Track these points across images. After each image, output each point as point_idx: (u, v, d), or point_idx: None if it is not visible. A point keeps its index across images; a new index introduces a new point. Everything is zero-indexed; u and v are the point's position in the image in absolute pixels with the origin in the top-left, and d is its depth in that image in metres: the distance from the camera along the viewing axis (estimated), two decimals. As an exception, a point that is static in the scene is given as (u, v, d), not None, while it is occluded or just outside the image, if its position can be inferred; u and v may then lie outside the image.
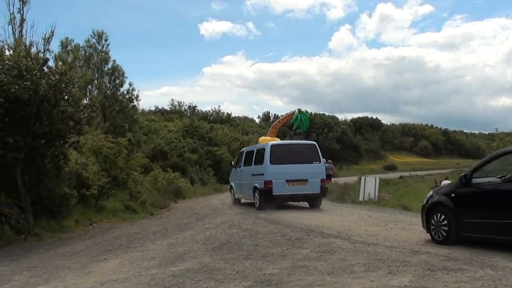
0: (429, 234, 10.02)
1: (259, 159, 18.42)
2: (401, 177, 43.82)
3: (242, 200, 20.98)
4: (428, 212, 10.18)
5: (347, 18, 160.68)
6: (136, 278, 7.59)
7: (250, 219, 14.82)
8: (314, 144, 18.97)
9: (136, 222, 16.95)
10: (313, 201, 18.50)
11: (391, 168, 68.38)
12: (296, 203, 19.11)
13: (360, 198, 21.25)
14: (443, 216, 9.70)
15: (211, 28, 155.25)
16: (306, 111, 33.15)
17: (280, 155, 17.83)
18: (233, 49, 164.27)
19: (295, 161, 17.67)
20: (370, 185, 21.46)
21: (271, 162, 17.64)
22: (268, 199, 17.65)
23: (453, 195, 9.71)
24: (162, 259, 9.07)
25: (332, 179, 30.13)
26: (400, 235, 10.88)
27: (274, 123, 29.51)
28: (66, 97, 14.11)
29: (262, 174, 17.79)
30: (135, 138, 31.94)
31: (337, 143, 70.98)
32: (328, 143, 69.09)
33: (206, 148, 39.60)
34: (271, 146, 18.18)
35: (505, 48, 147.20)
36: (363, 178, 22.55)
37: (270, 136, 26.06)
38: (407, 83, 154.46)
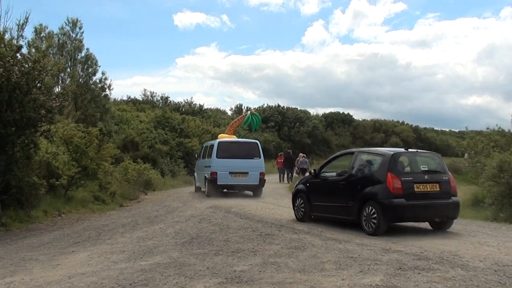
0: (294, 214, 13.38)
1: (210, 153, 21.26)
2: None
3: (202, 189, 22.52)
4: (294, 196, 13.74)
5: (320, 13, 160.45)
6: (105, 272, 7.46)
7: (221, 213, 14.76)
8: (256, 143, 21.82)
9: (106, 213, 16.77)
10: (254, 191, 21.41)
11: (362, 164, 68.94)
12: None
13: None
14: (301, 200, 13.28)
15: (185, 19, 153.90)
16: (258, 113, 36.63)
17: (226, 151, 20.70)
18: (206, 41, 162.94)
19: (238, 156, 20.45)
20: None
21: (217, 156, 20.54)
22: (214, 187, 20.53)
23: (308, 184, 13.31)
24: (131, 253, 8.96)
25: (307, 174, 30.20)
26: (371, 233, 10.89)
27: (231, 123, 31.76)
28: (38, 85, 13.84)
29: (210, 166, 20.79)
30: (106, 128, 31.50)
31: (309, 138, 71.06)
32: (300, 137, 69.28)
33: (177, 139, 39.27)
34: (219, 142, 21.19)
35: (477, 47, 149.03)
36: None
37: (228, 134, 27.66)
38: (379, 79, 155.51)
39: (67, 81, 31.19)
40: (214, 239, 10.11)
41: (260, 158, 21.09)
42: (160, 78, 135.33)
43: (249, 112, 34.33)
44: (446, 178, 11.33)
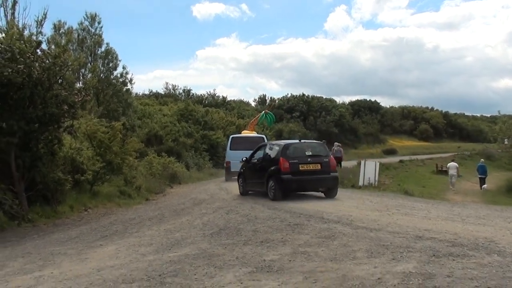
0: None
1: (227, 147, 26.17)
2: (401, 161, 43.87)
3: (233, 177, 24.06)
4: (237, 177, 18.90)
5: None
6: (134, 264, 7.55)
7: (248, 204, 14.78)
8: (263, 137, 26.08)
9: (132, 207, 16.95)
10: None
11: (391, 152, 68.17)
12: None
13: (360, 183, 21.30)
14: (241, 180, 18.22)
15: (204, 10, 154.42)
16: (271, 112, 40.79)
17: (238, 144, 24.97)
18: (226, 31, 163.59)
19: (247, 148, 22.01)
20: (370, 169, 21.51)
21: (230, 149, 25.29)
22: (228, 173, 25.11)
23: (243, 168, 18.26)
24: (159, 245, 9.04)
25: (342, 163, 30.47)
26: (403, 220, 10.84)
27: (251, 121, 36.30)
28: (59, 80, 14.02)
29: (225, 157, 26.32)
30: (130, 123, 31.75)
31: (335, 127, 70.71)
32: (326, 126, 68.98)
33: (201, 132, 39.50)
34: (232, 137, 26.42)
35: (507, 27, 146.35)
36: (362, 162, 22.58)
37: (250, 130, 31.77)
38: (406, 64, 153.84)
39: (88, 76, 31.50)
40: (242, 229, 10.14)
41: None
42: (181, 71, 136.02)
43: (263, 112, 38.24)
44: (327, 160, 16.28)
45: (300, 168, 15.79)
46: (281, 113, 69.02)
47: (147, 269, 7.18)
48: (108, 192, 18.34)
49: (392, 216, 11.59)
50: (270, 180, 15.98)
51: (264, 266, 6.91)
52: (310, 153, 16.34)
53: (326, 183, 16.41)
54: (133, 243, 9.48)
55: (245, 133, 29.43)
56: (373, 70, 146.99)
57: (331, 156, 17.08)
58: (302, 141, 17.50)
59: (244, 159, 18.42)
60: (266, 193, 16.13)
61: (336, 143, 33.76)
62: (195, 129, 39.24)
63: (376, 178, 21.39)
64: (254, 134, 29.31)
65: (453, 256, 7.13)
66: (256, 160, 17.75)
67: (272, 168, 16.04)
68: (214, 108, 52.96)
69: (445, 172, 35.99)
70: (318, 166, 16.03)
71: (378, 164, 22.61)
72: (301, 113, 70.38)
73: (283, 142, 17.22)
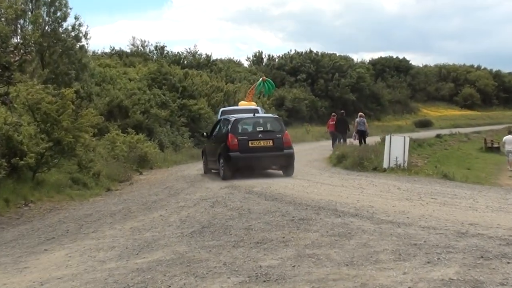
0: None
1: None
2: (438, 136, 43.97)
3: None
4: (202, 154, 23.24)
5: None
6: (89, 275, 7.52)
7: (240, 194, 14.85)
8: (257, 109, 27.40)
9: (88, 200, 16.91)
10: None
11: (425, 124, 68.17)
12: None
13: (385, 165, 21.27)
14: (204, 157, 22.46)
15: None
16: (271, 79, 42.63)
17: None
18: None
19: None
20: (397, 147, 21.46)
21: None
22: None
23: (206, 144, 22.65)
24: (123, 249, 9.03)
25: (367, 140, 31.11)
26: (440, 212, 10.86)
27: (249, 90, 38.13)
28: (-12, 34, 13.84)
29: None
30: (85, 90, 31.51)
31: (353, 92, 70.52)
32: (341, 92, 68.78)
33: (179, 101, 39.32)
34: (222, 111, 28.00)
35: None
36: (387, 138, 22.44)
37: (248, 101, 33.47)
38: (443, 9, 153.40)
39: (29, 29, 31.14)
40: (232, 227, 10.16)
41: None
42: (153, 22, 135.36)
43: (261, 78, 39.62)
44: (280, 135, 19.42)
45: (250, 145, 19.06)
46: (283, 75, 68.88)
47: (107, 280, 7.15)
48: (57, 181, 18.22)
49: (426, 207, 11.62)
50: (219, 157, 19.42)
51: (259, 275, 6.87)
52: (262, 129, 19.65)
53: (279, 161, 19.72)
54: (89, 247, 9.46)
55: (243, 105, 30.82)
56: (400, 18, 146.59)
57: (286, 131, 20.21)
58: (257, 115, 21.39)
59: (204, 134, 23.11)
60: (217, 170, 19.96)
61: (360, 113, 34.09)
62: (171, 98, 39.08)
63: (406, 158, 21.33)
64: (253, 105, 30.60)
65: (508, 257, 7.10)
66: (213, 137, 21.50)
67: (222, 145, 19.45)
68: (195, 70, 52.70)
69: (497, 149, 36.08)
70: (270, 143, 19.28)
71: (408, 140, 22.49)
72: (308, 75, 70.15)
73: (234, 116, 20.51)
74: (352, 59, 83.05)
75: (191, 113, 39.02)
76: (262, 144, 19.05)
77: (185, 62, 61.56)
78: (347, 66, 75.11)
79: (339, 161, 24.78)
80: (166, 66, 45.46)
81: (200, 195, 15.22)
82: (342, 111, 37.80)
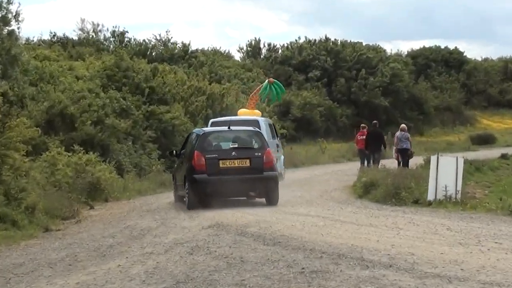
0: None
1: None
2: (504, 156, 43.81)
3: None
4: (172, 178, 25.58)
5: None
6: None
7: (228, 236, 14.88)
8: (257, 120, 30.38)
9: (19, 244, 16.78)
10: None
11: (485, 140, 67.77)
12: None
13: (430, 196, 21.25)
14: (174, 182, 24.39)
15: None
16: (279, 82, 44.08)
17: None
18: None
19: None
20: (447, 172, 21.41)
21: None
22: None
23: (176, 165, 25.17)
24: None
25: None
26: (508, 262, 10.80)
27: (251, 95, 40.42)
28: None
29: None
30: (16, 91, 31.50)
31: (385, 96, 70.34)
32: (369, 95, 68.71)
33: (145, 108, 39.27)
34: (211, 122, 31.22)
35: None
36: (434, 159, 22.42)
37: (250, 109, 36.00)
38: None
39: None
40: (217, 282, 10.07)
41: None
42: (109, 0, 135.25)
43: (266, 81, 41.99)
44: (259, 154, 20.41)
45: (221, 165, 20.22)
46: (288, 72, 68.97)
47: None
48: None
49: (488, 255, 11.55)
50: (185, 181, 20.61)
51: None
52: (236, 145, 20.84)
53: (258, 186, 20.95)
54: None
55: (243, 114, 33.81)
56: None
57: (268, 149, 21.31)
58: (232, 128, 22.47)
59: (173, 152, 25.24)
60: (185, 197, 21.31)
61: (402, 125, 33.86)
62: (133, 103, 38.99)
63: (459, 188, 21.26)
64: (256, 114, 33.92)
65: None
66: (182, 155, 23.01)
67: (187, 165, 20.84)
68: (167, 64, 52.65)
69: None
70: (247, 163, 20.38)
71: (462, 162, 22.45)
72: (323, 72, 70.25)
73: (203, 129, 22.52)
74: (384, 50, 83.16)
75: (161, 124, 38.92)
76: (236, 165, 20.08)
77: (153, 53, 61.67)
78: (377, 60, 75.14)
79: (366, 190, 24.77)
80: (128, 59, 45.30)
81: (173, 238, 15.17)
82: (375, 121, 37.31)
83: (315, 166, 37.51)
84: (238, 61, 74.96)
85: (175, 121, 39.27)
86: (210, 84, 50.08)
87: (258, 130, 22.65)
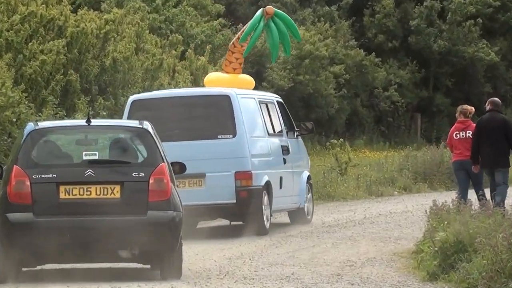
0: None
1: None
2: None
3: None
4: None
5: None
6: None
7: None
8: (228, 95, 22.02)
9: None
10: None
11: None
12: None
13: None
14: None
15: None
16: (283, 13, 30.10)
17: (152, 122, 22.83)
18: None
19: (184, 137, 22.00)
20: None
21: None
22: None
23: None
24: None
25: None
26: None
27: (233, 40, 28.20)
28: None
29: None
30: None
31: (485, 77, 56.81)
32: (448, 76, 55.77)
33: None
34: (132, 101, 22.79)
35: None
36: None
37: (228, 72, 25.95)
38: None
39: None
40: None
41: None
42: None
43: (260, 10, 28.38)
44: (142, 174, 12.22)
45: (62, 196, 12.25)
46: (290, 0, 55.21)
47: None
48: None
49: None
50: None
51: None
52: (96, 157, 12.95)
53: (135, 240, 12.09)
54: None
55: (212, 85, 25.52)
56: None
57: (162, 164, 12.55)
58: (95, 123, 14.15)
59: None
60: None
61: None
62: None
63: None
64: (236, 86, 23.91)
65: None
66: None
67: (1, 193, 12.79)
68: (93, 11, 38.23)
69: None
70: (114, 191, 12.23)
71: None
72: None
73: (36, 124, 13.92)
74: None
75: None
76: (93, 195, 12.01)
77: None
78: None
79: (447, 264, 13.21)
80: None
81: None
82: (493, 99, 21.92)
83: (328, 204, 26.62)
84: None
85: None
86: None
87: (143, 127, 13.00)
